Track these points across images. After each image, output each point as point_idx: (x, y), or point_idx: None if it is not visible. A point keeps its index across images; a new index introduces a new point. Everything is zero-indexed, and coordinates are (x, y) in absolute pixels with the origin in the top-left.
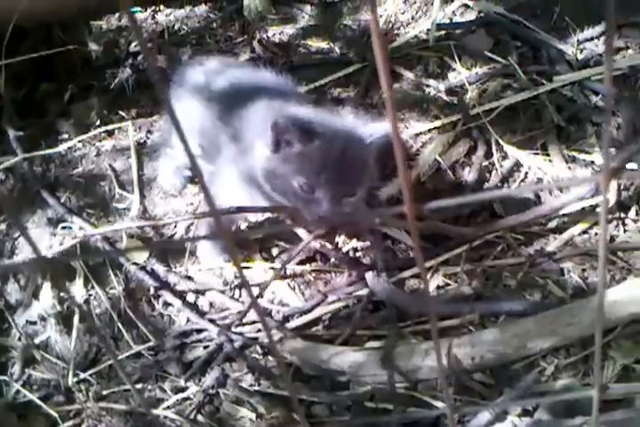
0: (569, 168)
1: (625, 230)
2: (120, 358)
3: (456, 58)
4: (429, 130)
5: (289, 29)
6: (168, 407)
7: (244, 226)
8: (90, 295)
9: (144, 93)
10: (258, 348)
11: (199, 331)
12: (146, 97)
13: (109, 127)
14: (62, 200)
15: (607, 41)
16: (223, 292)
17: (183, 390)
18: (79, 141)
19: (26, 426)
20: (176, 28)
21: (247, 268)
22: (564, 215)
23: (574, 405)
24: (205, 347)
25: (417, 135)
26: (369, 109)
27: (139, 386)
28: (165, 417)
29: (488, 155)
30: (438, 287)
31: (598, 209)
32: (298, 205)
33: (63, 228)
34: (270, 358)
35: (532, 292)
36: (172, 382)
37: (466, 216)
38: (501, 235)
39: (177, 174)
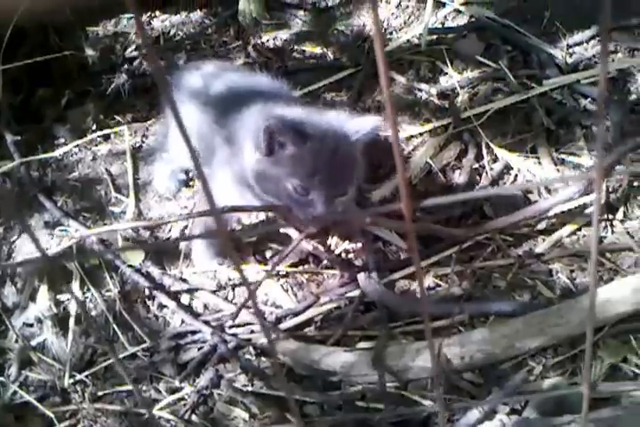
0: (558, 170)
1: (612, 232)
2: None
3: (448, 62)
4: (421, 133)
5: (283, 35)
6: (163, 408)
7: (237, 228)
8: (86, 298)
9: (140, 98)
10: (251, 349)
11: (193, 332)
12: (141, 102)
13: (105, 132)
14: (59, 204)
15: (602, 42)
16: (217, 294)
17: (178, 390)
18: (75, 146)
19: None
20: (171, 33)
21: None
22: (552, 217)
23: (562, 403)
24: (199, 348)
25: (409, 138)
26: (362, 113)
27: None
28: (160, 417)
29: (478, 158)
30: (429, 288)
31: (587, 210)
32: (292, 207)
33: (60, 231)
34: (263, 358)
35: (521, 292)
36: (166, 383)
37: (456, 218)
38: (491, 236)
39: (172, 178)
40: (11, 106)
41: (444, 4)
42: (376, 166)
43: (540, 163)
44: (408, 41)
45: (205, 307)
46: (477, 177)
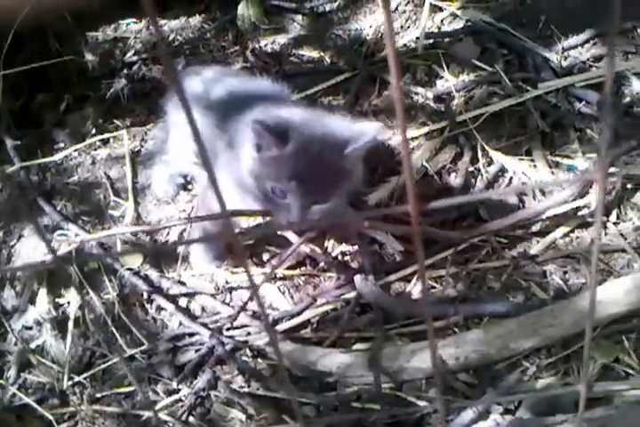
0: (552, 173)
1: (606, 233)
2: (114, 361)
3: (444, 66)
4: (417, 136)
5: (281, 39)
6: (160, 409)
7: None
8: (84, 301)
9: (139, 103)
10: (248, 351)
11: (191, 335)
12: (140, 106)
13: (104, 136)
14: (58, 208)
15: (609, 40)
16: (214, 296)
17: (175, 392)
18: (75, 150)
19: None
20: (170, 38)
21: (237, 273)
22: (546, 219)
23: (555, 403)
24: (197, 350)
25: None
26: (358, 117)
27: (132, 389)
28: (158, 419)
29: (474, 160)
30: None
31: (580, 213)
32: (271, 209)
33: (59, 235)
34: (260, 360)
35: (515, 294)
36: (164, 385)
37: (452, 220)
38: (486, 238)
39: (170, 182)
40: (10, 111)
41: (440, 9)
42: (372, 170)
43: (534, 165)
44: (405, 45)
45: (203, 309)
46: (473, 180)
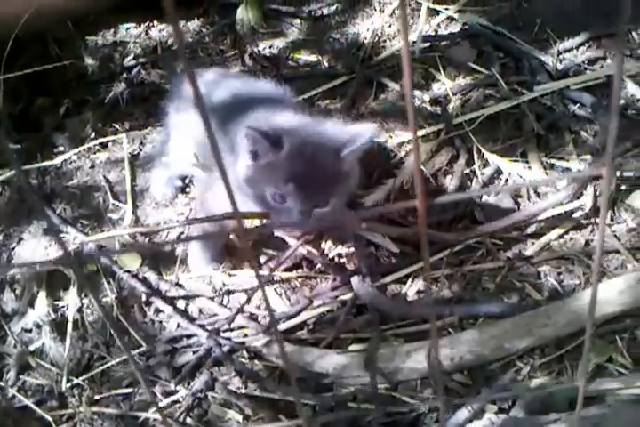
0: (547, 175)
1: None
2: (112, 363)
3: (441, 69)
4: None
5: (279, 43)
6: (158, 410)
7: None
8: (83, 303)
9: (138, 107)
10: (245, 352)
11: (189, 336)
12: (139, 110)
13: (104, 140)
14: (58, 211)
15: (618, 39)
16: (212, 298)
17: (173, 393)
18: (74, 154)
19: None
20: (169, 42)
21: (236, 275)
22: (541, 221)
23: (548, 402)
24: (195, 352)
25: (401, 144)
26: (355, 120)
27: (130, 390)
28: (155, 420)
29: (469, 163)
30: (419, 291)
31: (575, 215)
32: (271, 214)
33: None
34: (257, 361)
35: (509, 295)
36: (162, 386)
37: (448, 222)
38: (481, 240)
39: (168, 185)
40: (10, 115)
41: (437, 12)
42: (369, 172)
43: (529, 167)
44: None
45: (201, 311)
46: (468, 182)
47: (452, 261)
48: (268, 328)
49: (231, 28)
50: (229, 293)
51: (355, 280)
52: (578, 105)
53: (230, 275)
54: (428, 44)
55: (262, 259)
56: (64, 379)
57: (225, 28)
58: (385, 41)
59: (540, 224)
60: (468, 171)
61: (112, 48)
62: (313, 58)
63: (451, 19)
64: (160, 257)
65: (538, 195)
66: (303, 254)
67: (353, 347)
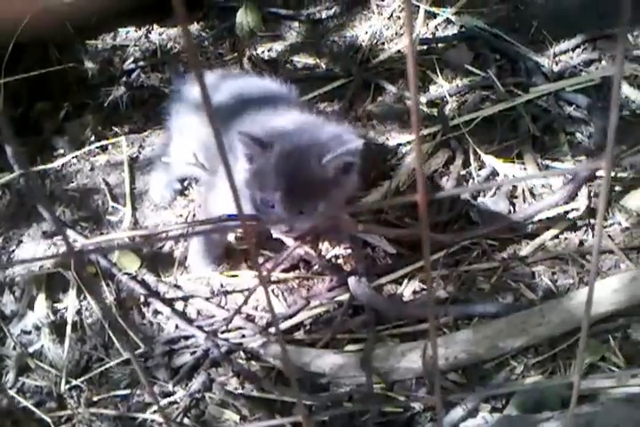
0: (542, 176)
1: (594, 235)
2: (110, 365)
3: (438, 71)
4: (410, 141)
5: (277, 46)
6: (156, 411)
7: (232, 236)
8: (82, 306)
9: (137, 110)
10: (242, 353)
11: (187, 338)
12: (139, 113)
13: (103, 143)
14: (57, 214)
15: (620, 39)
16: (210, 300)
17: (171, 394)
18: (74, 157)
19: None
20: (169, 46)
21: (234, 276)
22: (536, 222)
23: (541, 401)
24: (192, 353)
25: (398, 146)
26: (353, 122)
27: (128, 391)
28: (153, 420)
29: (466, 164)
30: (415, 292)
31: (569, 215)
32: (261, 218)
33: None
34: (254, 362)
35: (504, 295)
36: (160, 387)
37: (443, 223)
38: (476, 241)
39: (167, 187)
40: (11, 118)
41: (434, 15)
42: (365, 174)
43: (525, 168)
44: (399, 51)
45: (199, 313)
46: (465, 183)
47: (447, 261)
48: (265, 329)
49: (230, 32)
50: (227, 294)
51: (351, 281)
52: (573, 107)
53: (228, 276)
54: (425, 47)
55: (260, 260)
56: (63, 380)
57: (224, 31)
58: (383, 44)
59: (535, 225)
60: (464, 172)
61: (112, 52)
62: (311, 60)
63: (448, 21)
64: (159, 259)
65: (533, 196)
66: (300, 255)
67: (349, 347)
